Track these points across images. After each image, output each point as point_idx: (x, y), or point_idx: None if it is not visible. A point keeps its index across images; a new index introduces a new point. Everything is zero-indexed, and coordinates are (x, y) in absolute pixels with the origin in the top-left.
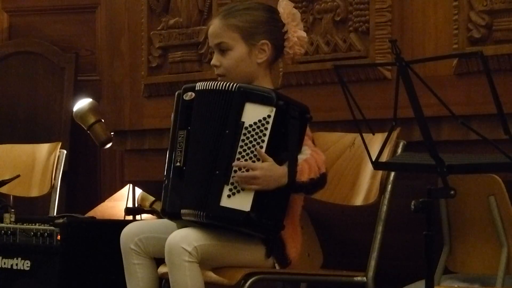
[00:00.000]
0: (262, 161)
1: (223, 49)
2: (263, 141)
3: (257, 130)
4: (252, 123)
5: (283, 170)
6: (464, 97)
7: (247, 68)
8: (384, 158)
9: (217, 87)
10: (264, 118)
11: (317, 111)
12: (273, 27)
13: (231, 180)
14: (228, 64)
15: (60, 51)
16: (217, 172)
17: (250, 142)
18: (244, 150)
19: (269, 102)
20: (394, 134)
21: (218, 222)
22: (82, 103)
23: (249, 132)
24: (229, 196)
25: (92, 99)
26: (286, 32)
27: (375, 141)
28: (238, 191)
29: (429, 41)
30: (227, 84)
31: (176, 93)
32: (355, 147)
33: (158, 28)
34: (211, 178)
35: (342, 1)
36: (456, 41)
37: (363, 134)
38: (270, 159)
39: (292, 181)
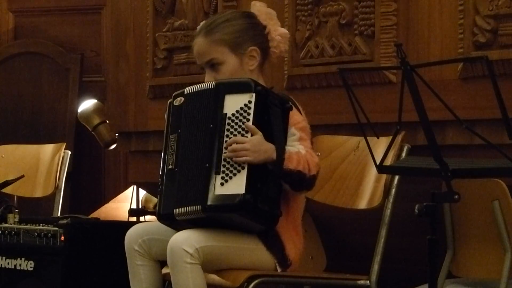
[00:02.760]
0: (252, 135)
1: (214, 65)
2: None
3: (240, 117)
4: (235, 112)
5: (272, 145)
6: (469, 102)
7: None
8: (388, 162)
9: (201, 88)
10: (246, 105)
11: (322, 114)
12: (256, 32)
13: (222, 169)
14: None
15: (65, 52)
16: (207, 165)
17: (235, 129)
18: (230, 139)
19: (247, 89)
20: (399, 138)
21: (215, 212)
22: (87, 104)
23: (232, 121)
24: (222, 184)
25: (97, 100)
26: (268, 33)
27: (380, 145)
28: (230, 177)
29: (434, 45)
30: (207, 84)
31: (168, 102)
32: (359, 150)
33: (164, 29)
34: (201, 172)
35: (348, 4)
36: (462, 46)
37: (368, 138)
38: (259, 133)
39: (280, 162)
